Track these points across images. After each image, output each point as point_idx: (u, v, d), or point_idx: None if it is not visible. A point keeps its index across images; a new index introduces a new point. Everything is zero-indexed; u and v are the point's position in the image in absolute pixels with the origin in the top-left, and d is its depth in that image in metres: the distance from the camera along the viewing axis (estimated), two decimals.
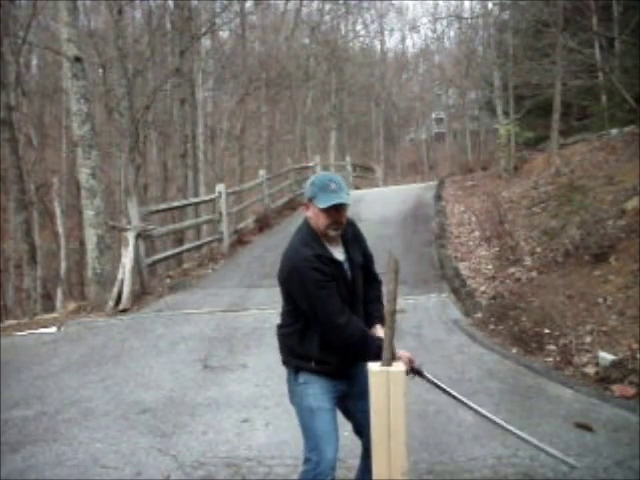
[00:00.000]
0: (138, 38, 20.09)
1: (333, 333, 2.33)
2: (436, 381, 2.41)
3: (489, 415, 2.42)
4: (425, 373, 2.41)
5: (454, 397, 2.42)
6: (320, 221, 2.37)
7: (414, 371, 2.39)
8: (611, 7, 12.99)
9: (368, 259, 2.58)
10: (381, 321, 2.40)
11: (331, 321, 2.31)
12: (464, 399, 2.41)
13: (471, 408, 2.42)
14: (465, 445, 3.56)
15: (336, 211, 2.35)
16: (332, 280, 2.35)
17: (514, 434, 2.36)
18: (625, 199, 7.43)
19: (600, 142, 11.87)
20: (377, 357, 2.21)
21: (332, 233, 2.39)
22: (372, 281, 2.59)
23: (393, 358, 2.18)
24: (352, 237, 2.50)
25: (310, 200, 2.39)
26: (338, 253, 2.44)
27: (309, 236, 2.41)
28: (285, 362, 2.56)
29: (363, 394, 2.26)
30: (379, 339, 2.30)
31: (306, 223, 2.46)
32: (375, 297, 2.58)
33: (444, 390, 2.41)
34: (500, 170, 14.61)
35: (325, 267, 2.35)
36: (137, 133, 15.61)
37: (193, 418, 4.20)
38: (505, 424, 2.40)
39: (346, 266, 2.44)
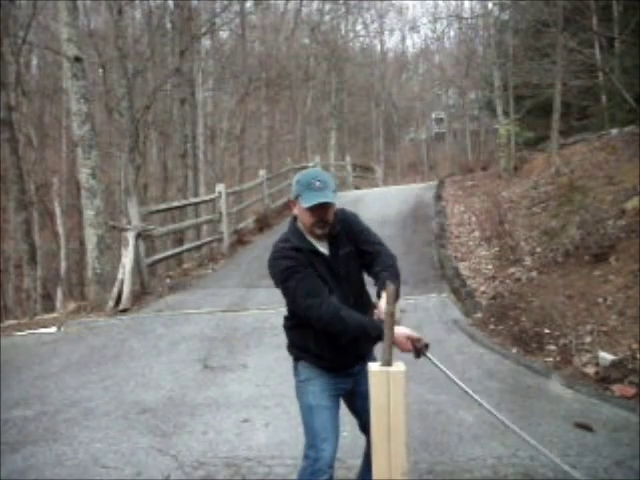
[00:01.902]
0: (138, 38, 20.10)
1: (304, 315, 2.31)
2: (442, 366, 2.29)
3: (492, 410, 2.33)
4: (430, 356, 2.28)
5: (457, 384, 2.32)
6: (305, 219, 2.35)
7: (418, 351, 2.27)
8: (611, 7, 12.98)
9: (365, 246, 2.47)
10: (383, 287, 2.25)
11: (299, 303, 2.30)
12: (469, 390, 2.32)
13: (476, 400, 2.34)
14: (465, 445, 3.56)
15: (321, 209, 2.30)
16: (305, 268, 2.32)
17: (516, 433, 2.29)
18: (625, 199, 7.43)
19: (600, 142, 11.86)
20: (363, 332, 2.17)
21: (318, 231, 2.36)
22: (375, 259, 2.46)
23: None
24: (343, 233, 2.44)
25: (296, 198, 2.36)
26: (323, 248, 2.41)
27: (290, 232, 2.42)
28: (288, 349, 2.58)
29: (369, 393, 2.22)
30: (370, 320, 2.24)
31: (292, 220, 2.46)
32: (379, 270, 2.41)
33: (448, 376, 2.31)
34: (500, 170, 14.61)
35: (299, 256, 2.33)
36: (137, 133, 15.60)
37: (193, 418, 4.20)
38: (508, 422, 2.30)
39: (330, 259, 2.40)
